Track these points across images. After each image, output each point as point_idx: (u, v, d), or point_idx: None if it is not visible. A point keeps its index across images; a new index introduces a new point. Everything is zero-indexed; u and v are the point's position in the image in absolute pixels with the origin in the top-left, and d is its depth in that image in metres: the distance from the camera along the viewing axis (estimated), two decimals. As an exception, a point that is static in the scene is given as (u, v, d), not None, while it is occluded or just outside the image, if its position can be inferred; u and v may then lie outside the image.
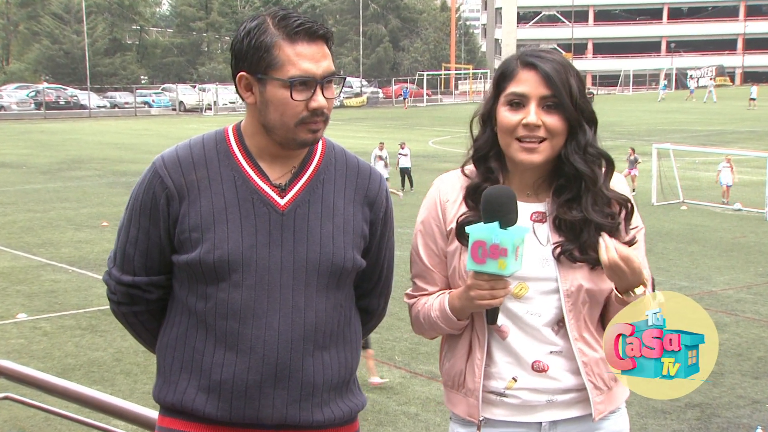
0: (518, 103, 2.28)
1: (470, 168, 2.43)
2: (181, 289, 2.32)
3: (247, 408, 2.26)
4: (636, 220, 2.38)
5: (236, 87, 2.28)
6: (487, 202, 2.16)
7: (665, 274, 13.99)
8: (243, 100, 2.26)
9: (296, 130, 2.21)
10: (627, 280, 2.20)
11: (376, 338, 10.89)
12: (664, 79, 73.00)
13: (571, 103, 2.26)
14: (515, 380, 2.35)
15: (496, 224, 2.12)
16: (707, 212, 20.23)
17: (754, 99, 53.08)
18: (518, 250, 2.13)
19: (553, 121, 2.26)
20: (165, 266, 2.33)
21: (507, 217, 2.14)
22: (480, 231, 2.13)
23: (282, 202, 2.27)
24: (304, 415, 2.30)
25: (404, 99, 61.37)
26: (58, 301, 12.61)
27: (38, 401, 3.85)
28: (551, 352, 2.34)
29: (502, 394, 2.37)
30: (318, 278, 2.28)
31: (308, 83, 2.18)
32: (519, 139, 2.28)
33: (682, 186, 21.75)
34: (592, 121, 2.33)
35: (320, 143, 2.36)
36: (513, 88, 2.29)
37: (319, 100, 2.19)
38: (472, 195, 2.36)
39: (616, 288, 2.25)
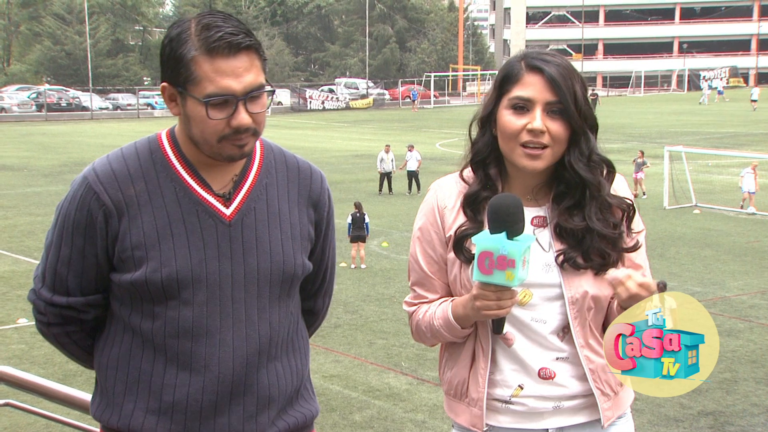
0: (522, 107, 2.25)
1: (468, 173, 2.39)
2: (122, 308, 2.22)
3: (202, 428, 2.20)
4: (637, 222, 2.38)
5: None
6: (495, 212, 2.13)
7: (678, 279, 13.97)
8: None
9: (220, 146, 2.12)
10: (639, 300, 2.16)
11: (382, 344, 11.00)
12: (706, 81, 70.82)
13: (576, 109, 2.24)
14: (521, 388, 2.34)
15: (503, 235, 2.09)
16: (721, 216, 20.27)
17: (755, 101, 54.19)
18: (525, 259, 2.11)
19: (557, 127, 2.24)
20: (102, 285, 2.23)
21: (515, 227, 2.10)
22: (487, 241, 2.10)
23: (227, 212, 2.20)
24: (261, 428, 2.26)
25: (413, 101, 60.76)
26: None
27: (39, 408, 3.80)
28: (557, 359, 2.33)
29: (508, 402, 2.35)
30: (270, 288, 2.23)
31: (228, 100, 2.08)
32: (522, 145, 2.25)
33: (695, 189, 21.81)
34: (595, 127, 2.32)
35: (257, 145, 2.30)
36: (518, 91, 2.26)
37: (240, 118, 2.09)
38: (470, 204, 2.34)
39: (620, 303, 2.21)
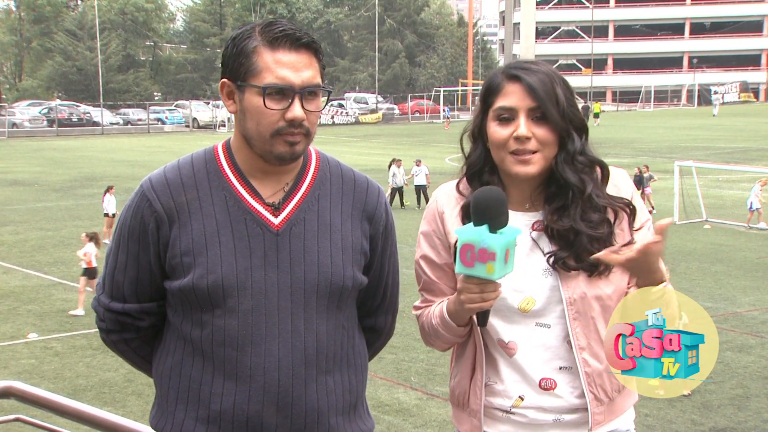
0: (507, 117, 2.29)
1: (464, 185, 2.42)
2: (175, 316, 2.26)
3: None
4: (641, 215, 2.37)
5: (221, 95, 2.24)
6: (476, 204, 2.12)
7: (688, 294, 13.39)
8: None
9: (272, 141, 2.14)
10: (647, 277, 2.15)
11: (392, 359, 10.78)
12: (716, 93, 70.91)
13: (559, 113, 2.27)
14: (522, 399, 2.35)
15: (485, 227, 2.07)
16: (731, 231, 20.12)
17: None
18: (508, 253, 2.09)
19: (543, 132, 2.28)
20: (156, 293, 2.27)
21: (496, 220, 2.09)
22: (468, 234, 2.08)
23: (276, 221, 2.20)
24: None
25: (446, 118, 59.32)
26: (70, 321, 12.67)
27: (49, 423, 3.76)
28: (560, 368, 2.34)
29: (508, 411, 2.37)
30: (317, 299, 2.21)
31: (285, 92, 2.12)
32: (512, 153, 2.29)
33: (706, 204, 21.65)
34: (582, 129, 2.33)
35: (313, 157, 2.32)
36: (500, 102, 2.30)
37: (294, 110, 2.12)
38: (468, 214, 2.29)
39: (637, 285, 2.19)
